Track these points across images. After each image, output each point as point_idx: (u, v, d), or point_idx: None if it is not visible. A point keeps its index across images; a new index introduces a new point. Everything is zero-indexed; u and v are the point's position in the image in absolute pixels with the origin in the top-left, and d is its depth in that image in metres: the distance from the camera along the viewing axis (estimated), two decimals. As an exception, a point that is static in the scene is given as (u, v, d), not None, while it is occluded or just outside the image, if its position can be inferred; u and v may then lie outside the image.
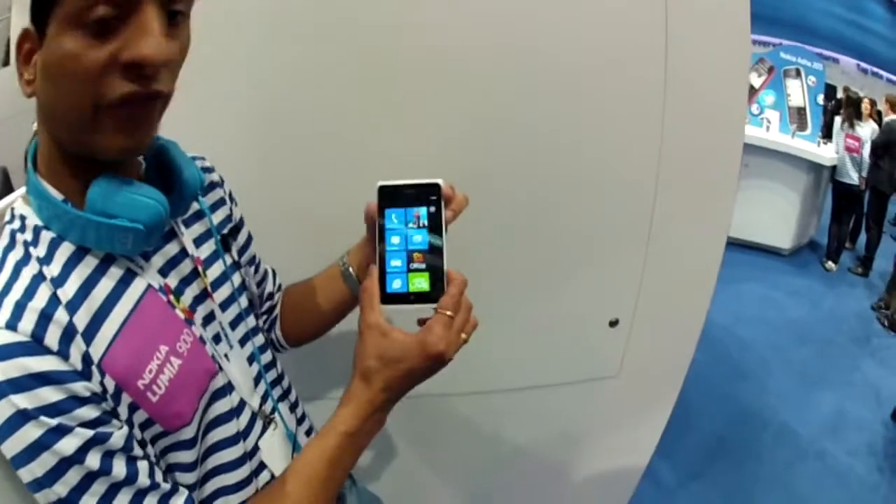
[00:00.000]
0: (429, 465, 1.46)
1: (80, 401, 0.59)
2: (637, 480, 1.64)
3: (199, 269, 0.77)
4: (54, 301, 0.61)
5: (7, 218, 0.68)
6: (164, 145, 0.75)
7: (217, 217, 0.86)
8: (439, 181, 0.75)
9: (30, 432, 0.57)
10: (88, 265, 0.65)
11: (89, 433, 0.59)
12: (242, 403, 0.78)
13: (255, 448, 0.80)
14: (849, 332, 4.83)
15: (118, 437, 0.61)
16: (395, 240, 0.75)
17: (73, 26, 0.56)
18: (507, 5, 1.11)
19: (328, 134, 1.15)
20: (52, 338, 0.59)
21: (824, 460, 3.31)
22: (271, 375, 0.88)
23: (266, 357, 0.88)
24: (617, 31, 1.15)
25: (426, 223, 0.75)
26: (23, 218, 0.66)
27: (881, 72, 14.96)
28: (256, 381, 0.83)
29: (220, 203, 0.88)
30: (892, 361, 4.54)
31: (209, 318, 0.77)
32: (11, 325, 0.58)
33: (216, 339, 0.77)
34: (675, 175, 1.26)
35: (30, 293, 0.60)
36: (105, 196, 0.63)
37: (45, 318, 0.59)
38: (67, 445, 0.58)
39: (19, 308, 0.59)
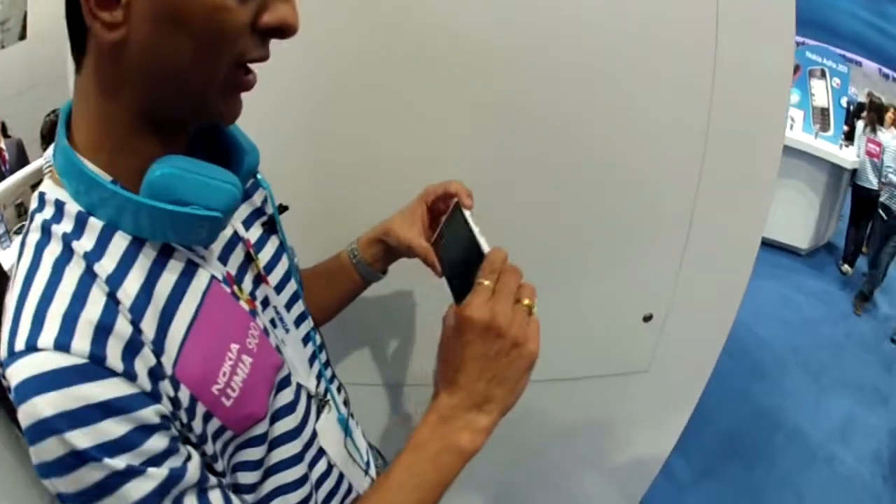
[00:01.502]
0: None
1: (149, 430, 0.51)
2: (655, 474, 1.65)
3: (251, 251, 0.70)
4: (111, 307, 0.51)
5: (35, 205, 0.57)
6: None
7: (261, 195, 0.79)
8: (484, 249, 0.73)
9: (90, 475, 0.48)
10: (148, 257, 0.56)
11: (163, 473, 0.51)
12: (299, 388, 0.74)
13: (314, 434, 0.76)
14: (860, 338, 4.83)
15: (193, 470, 0.54)
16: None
17: None
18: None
19: (347, 129, 1.14)
20: (114, 355, 0.49)
21: (832, 465, 3.31)
22: (324, 357, 0.85)
23: (319, 337, 0.84)
24: (667, 30, 1.13)
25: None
26: (59, 204, 0.55)
27: (903, 78, 14.82)
28: (310, 362, 0.80)
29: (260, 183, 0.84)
30: (902, 370, 4.55)
31: (265, 304, 0.71)
32: (63, 345, 0.48)
33: (273, 323, 0.72)
34: (718, 174, 1.25)
35: (80, 300, 0.50)
36: (175, 179, 0.54)
37: (103, 330, 0.50)
38: (137, 490, 0.50)
39: (70, 321, 0.49)
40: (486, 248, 0.72)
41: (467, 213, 0.81)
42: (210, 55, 0.53)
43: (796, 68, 5.69)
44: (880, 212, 4.99)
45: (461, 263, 0.75)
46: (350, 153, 1.15)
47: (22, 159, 2.52)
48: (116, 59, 0.52)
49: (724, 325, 1.45)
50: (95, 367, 0.48)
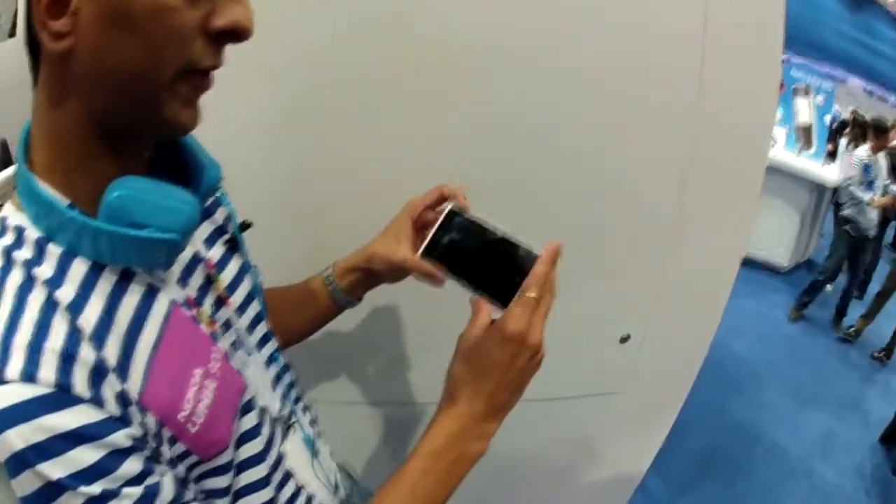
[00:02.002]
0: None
1: (122, 454, 0.51)
2: (630, 493, 1.64)
3: (212, 273, 0.68)
4: (74, 335, 0.50)
5: None
6: None
7: (223, 212, 0.77)
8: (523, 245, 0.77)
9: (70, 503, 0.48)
10: (108, 282, 0.55)
11: (137, 492, 0.52)
12: (263, 411, 0.72)
13: (280, 457, 0.75)
14: (841, 354, 4.87)
15: (168, 486, 0.55)
16: None
17: None
18: (540, 7, 1.08)
19: (336, 130, 1.12)
20: (81, 382, 0.49)
21: (812, 480, 3.34)
22: (288, 378, 0.83)
23: (283, 358, 0.83)
24: (653, 42, 1.13)
25: None
26: (19, 230, 0.54)
27: (887, 95, 15.02)
28: (274, 384, 0.78)
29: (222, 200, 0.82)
30: (882, 386, 4.59)
31: (227, 326, 0.69)
32: (30, 376, 0.47)
33: (235, 346, 0.70)
34: (699, 193, 1.24)
35: (43, 329, 0.50)
36: (131, 201, 0.53)
37: (68, 359, 0.49)
38: None
39: (35, 351, 0.48)
40: (525, 245, 0.75)
41: (477, 215, 0.81)
42: (159, 59, 0.51)
43: (780, 85, 5.74)
44: (846, 228, 4.97)
45: (482, 267, 0.77)
46: (317, 164, 1.13)
47: (6, 160, 2.49)
48: (66, 70, 0.52)
49: (702, 345, 1.45)
50: (63, 396, 0.48)
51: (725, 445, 3.45)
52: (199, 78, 0.55)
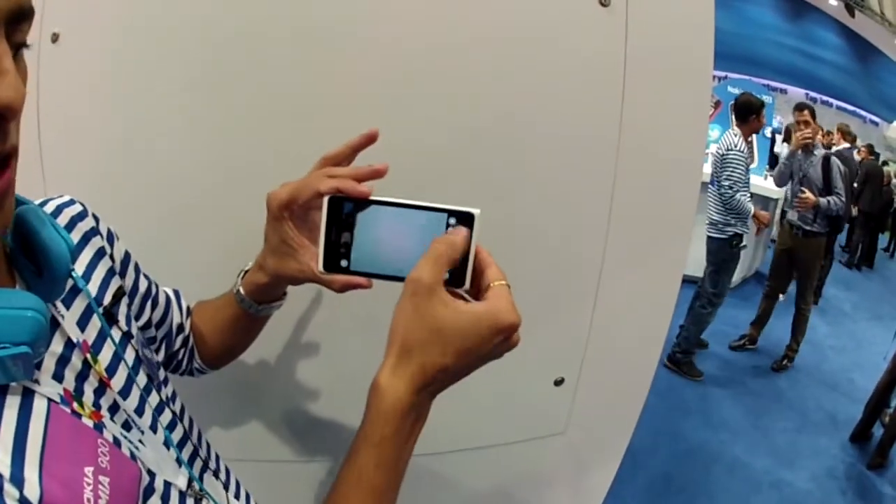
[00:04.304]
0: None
1: None
2: (587, 531, 1.64)
3: (89, 357, 0.65)
4: None
5: None
6: (21, 215, 0.60)
7: (98, 276, 0.73)
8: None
9: None
10: None
11: None
12: (168, 487, 0.69)
13: None
14: (798, 362, 4.93)
15: None
16: None
17: None
18: (457, 48, 1.08)
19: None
20: None
21: (781, 490, 3.36)
22: (187, 451, 0.80)
23: (177, 434, 0.79)
24: (571, 76, 1.12)
25: None
26: None
27: (831, 100, 15.50)
28: (176, 456, 0.76)
29: (99, 255, 0.76)
30: (845, 386, 4.67)
31: (114, 409, 0.66)
32: None
33: (126, 426, 0.67)
34: (626, 229, 1.24)
35: None
36: None
37: None
38: None
39: None
40: (443, 207, 0.68)
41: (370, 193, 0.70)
42: None
43: (717, 104, 5.88)
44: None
45: (405, 250, 0.69)
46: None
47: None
48: None
49: (644, 380, 1.45)
50: None
51: (683, 468, 3.46)
52: None
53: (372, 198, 0.70)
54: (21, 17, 0.48)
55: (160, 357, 0.94)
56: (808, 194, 4.41)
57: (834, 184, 4.37)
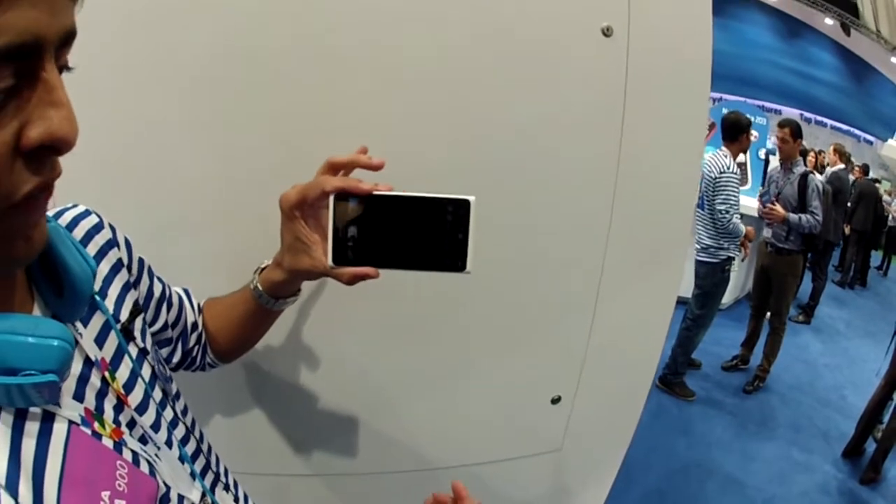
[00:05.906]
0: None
1: None
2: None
3: (107, 374, 0.65)
4: None
5: None
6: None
7: (115, 291, 0.73)
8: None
9: None
10: (6, 424, 0.52)
11: None
12: (182, 500, 0.71)
13: None
14: (792, 380, 4.94)
15: None
16: None
17: None
18: (465, 83, 1.10)
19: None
20: None
21: (775, 507, 3.36)
22: (199, 464, 0.82)
23: (190, 447, 0.80)
24: (574, 91, 1.14)
25: None
26: None
27: (825, 120, 15.59)
28: (190, 469, 0.77)
29: (115, 269, 0.76)
30: (838, 403, 4.68)
31: (131, 425, 0.67)
32: None
33: (143, 440, 0.68)
34: (623, 252, 1.27)
35: None
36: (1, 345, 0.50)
37: None
38: None
39: None
40: (444, 196, 0.73)
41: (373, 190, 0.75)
42: None
43: (711, 126, 5.90)
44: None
45: (411, 241, 0.74)
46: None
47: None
48: None
49: (639, 398, 1.47)
50: None
51: (677, 485, 3.46)
52: (27, 207, 0.47)
53: (374, 192, 0.74)
54: (70, 39, 0.48)
55: (176, 356, 0.96)
56: (777, 207, 4.36)
57: (809, 202, 4.31)
